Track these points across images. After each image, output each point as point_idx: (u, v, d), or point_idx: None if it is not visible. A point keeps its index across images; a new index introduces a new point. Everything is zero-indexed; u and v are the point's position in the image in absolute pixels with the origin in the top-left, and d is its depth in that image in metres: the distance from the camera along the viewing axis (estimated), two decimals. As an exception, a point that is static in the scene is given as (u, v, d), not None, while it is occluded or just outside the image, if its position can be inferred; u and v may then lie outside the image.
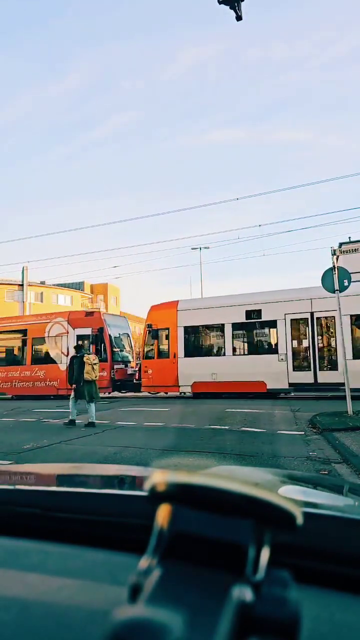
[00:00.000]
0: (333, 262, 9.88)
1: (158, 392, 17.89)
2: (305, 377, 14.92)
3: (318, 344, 15.01)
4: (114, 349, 18.65)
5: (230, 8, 7.32)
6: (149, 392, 17.97)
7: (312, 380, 14.84)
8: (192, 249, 41.05)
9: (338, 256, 10.03)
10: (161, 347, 17.38)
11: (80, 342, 15.17)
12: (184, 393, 16.82)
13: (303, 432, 7.73)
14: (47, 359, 19.82)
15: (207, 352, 17.04)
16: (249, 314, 16.03)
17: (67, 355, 17.35)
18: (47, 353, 20.01)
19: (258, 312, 15.89)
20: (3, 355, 21.47)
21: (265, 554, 0.44)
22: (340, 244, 23.24)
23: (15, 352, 21.16)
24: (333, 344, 14.88)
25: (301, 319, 15.29)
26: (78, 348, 10.49)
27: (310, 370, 14.92)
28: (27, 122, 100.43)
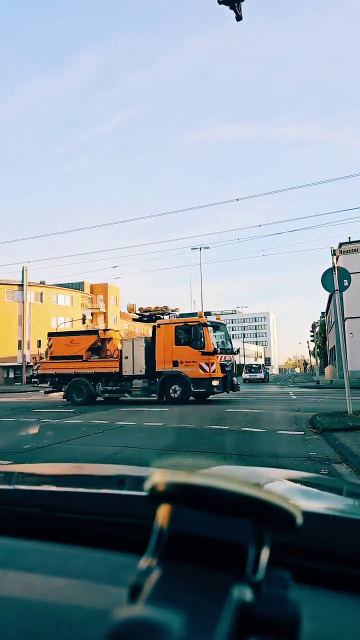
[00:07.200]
0: (333, 262, 9.88)
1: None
2: None
3: None
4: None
5: (230, 8, 7.31)
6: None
7: None
8: (192, 249, 41.18)
9: (338, 256, 10.03)
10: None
11: None
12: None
13: (303, 432, 7.72)
14: None
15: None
16: None
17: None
18: None
19: None
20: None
21: (265, 554, 0.44)
22: (340, 244, 23.28)
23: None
24: None
25: None
26: None
27: None
28: (27, 120, 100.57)
